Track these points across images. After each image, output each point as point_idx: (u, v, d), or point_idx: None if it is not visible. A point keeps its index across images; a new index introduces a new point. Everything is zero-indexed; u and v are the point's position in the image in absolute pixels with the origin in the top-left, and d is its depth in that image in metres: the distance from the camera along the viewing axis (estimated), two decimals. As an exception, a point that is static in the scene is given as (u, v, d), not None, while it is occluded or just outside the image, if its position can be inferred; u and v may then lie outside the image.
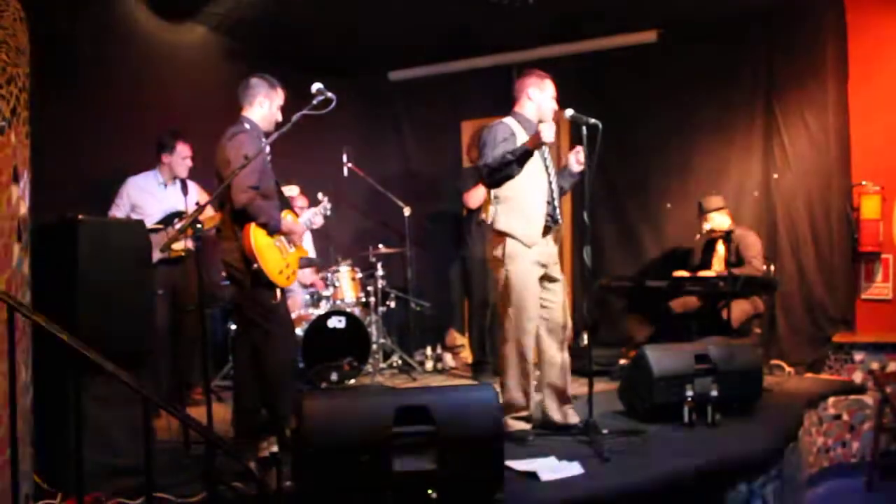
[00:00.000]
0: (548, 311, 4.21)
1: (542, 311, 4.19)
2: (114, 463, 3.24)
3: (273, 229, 3.99)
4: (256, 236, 3.90)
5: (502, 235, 4.12)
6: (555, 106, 4.24)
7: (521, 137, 4.09)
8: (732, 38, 6.44)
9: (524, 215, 4.11)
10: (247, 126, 4.05)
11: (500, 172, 4.02)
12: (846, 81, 6.06)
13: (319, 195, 4.73)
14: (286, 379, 4.04)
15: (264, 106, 4.11)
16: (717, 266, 5.97)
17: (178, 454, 3.75)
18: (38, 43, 2.81)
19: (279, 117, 4.15)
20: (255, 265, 3.87)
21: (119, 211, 5.11)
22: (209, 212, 4.71)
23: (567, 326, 4.26)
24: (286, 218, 4.16)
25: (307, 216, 4.53)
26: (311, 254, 6.69)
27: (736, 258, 5.86)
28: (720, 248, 6.00)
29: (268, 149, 4.14)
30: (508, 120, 4.19)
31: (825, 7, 6.12)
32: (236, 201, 3.83)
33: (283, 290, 4.07)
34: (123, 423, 3.30)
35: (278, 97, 4.16)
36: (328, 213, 4.64)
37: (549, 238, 4.21)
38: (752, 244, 5.85)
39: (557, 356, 4.22)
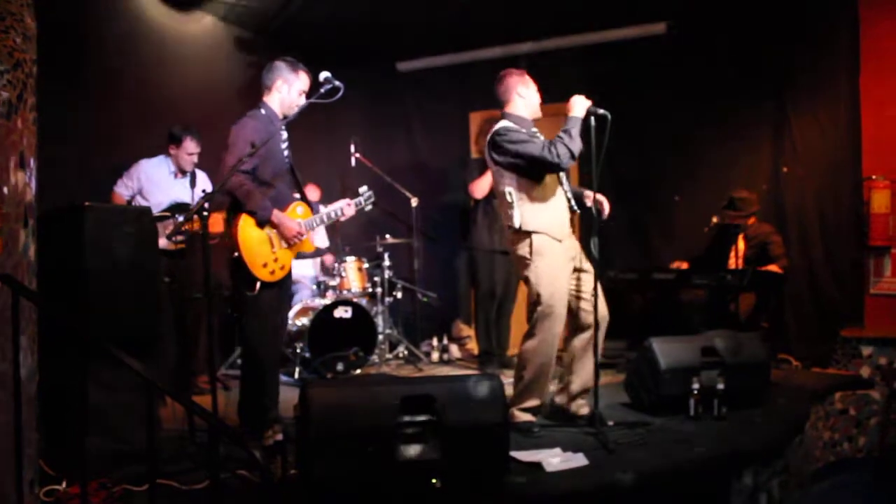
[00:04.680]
0: (584, 302, 4.14)
1: (579, 301, 4.14)
2: (119, 449, 3.25)
3: (261, 220, 3.89)
4: (244, 226, 3.85)
5: (529, 234, 4.03)
6: (539, 99, 4.20)
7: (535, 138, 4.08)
8: (742, 30, 6.39)
9: (550, 210, 4.07)
10: (262, 111, 3.98)
11: (571, 145, 3.93)
12: (858, 74, 6.01)
13: (362, 188, 4.52)
14: (264, 371, 3.99)
15: (282, 90, 4.02)
16: (736, 260, 5.95)
17: (183, 442, 3.76)
18: (45, 29, 2.80)
19: (301, 101, 4.03)
20: (236, 253, 3.82)
21: (125, 190, 5.10)
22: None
23: (603, 317, 4.15)
24: (294, 210, 4.12)
25: (335, 207, 4.33)
26: (325, 243, 6.69)
27: (757, 255, 5.83)
28: (740, 243, 5.97)
29: (284, 135, 4.06)
30: (508, 125, 4.09)
31: (838, -1, 6.08)
32: (226, 183, 3.75)
33: (270, 285, 3.96)
34: (129, 410, 3.30)
35: (299, 81, 4.04)
36: (365, 206, 4.45)
37: (569, 233, 4.19)
38: (779, 243, 5.83)
39: (588, 346, 4.13)
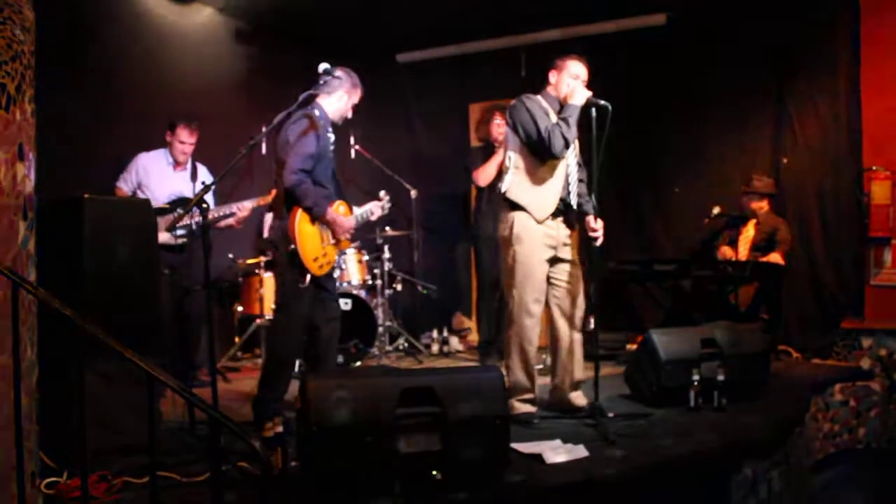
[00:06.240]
0: (560, 291, 4.18)
1: (554, 290, 4.18)
2: (119, 442, 3.24)
3: (316, 215, 4.05)
4: (301, 220, 4.00)
5: (512, 211, 4.10)
6: (574, 84, 4.12)
7: (552, 116, 4.08)
8: (742, 21, 6.37)
9: (537, 189, 4.08)
10: (316, 112, 4.11)
11: (567, 134, 3.96)
12: (858, 66, 5.99)
13: (382, 193, 4.75)
14: (279, 366, 4.11)
15: (342, 101, 4.21)
16: (743, 248, 5.94)
17: (184, 434, 3.76)
18: (44, 21, 2.79)
19: (350, 114, 4.25)
20: (292, 246, 3.97)
21: (126, 185, 5.11)
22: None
23: (579, 307, 4.21)
24: (338, 209, 4.20)
25: (366, 208, 4.56)
26: None
27: (766, 244, 5.82)
28: (750, 230, 5.96)
29: (332, 137, 4.22)
30: (538, 97, 4.17)
31: (838, -11, 6.06)
32: (285, 181, 3.95)
33: (313, 281, 4.09)
34: (129, 403, 3.29)
35: (356, 96, 4.26)
36: (386, 210, 4.70)
37: (560, 221, 4.17)
38: (786, 232, 5.83)
39: (567, 338, 4.21)
